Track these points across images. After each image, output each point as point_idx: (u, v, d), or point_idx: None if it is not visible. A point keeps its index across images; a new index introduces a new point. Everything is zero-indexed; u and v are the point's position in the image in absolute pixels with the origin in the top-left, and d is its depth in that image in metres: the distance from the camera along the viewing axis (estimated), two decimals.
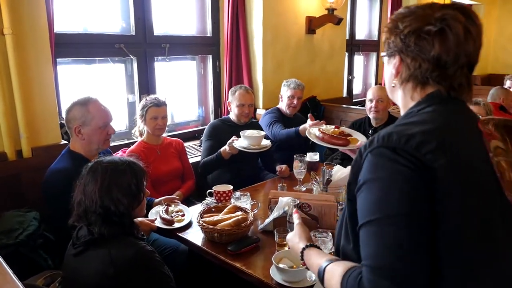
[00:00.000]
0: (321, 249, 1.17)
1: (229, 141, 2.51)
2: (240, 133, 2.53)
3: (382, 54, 1.07)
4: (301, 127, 2.83)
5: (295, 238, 1.22)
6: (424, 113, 0.95)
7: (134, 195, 1.45)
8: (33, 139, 2.28)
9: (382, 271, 0.81)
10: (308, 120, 2.67)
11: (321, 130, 2.03)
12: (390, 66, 1.03)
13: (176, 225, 1.96)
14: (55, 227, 2.01)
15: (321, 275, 0.98)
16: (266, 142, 2.55)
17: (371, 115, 3.00)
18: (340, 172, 2.12)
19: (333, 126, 2.12)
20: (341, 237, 1.03)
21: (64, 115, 2.06)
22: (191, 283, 2.16)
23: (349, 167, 2.20)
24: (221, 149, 2.57)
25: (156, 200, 2.21)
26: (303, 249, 1.14)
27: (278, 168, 2.74)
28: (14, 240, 1.87)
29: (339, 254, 1.05)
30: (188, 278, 2.14)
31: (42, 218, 2.09)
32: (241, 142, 2.50)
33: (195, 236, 1.89)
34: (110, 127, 2.08)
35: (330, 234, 1.60)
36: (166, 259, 2.01)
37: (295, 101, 3.24)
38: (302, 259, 1.14)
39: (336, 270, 0.93)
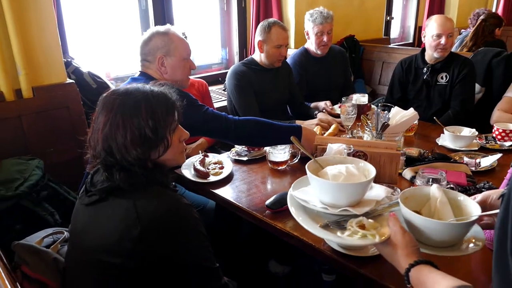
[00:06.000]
0: (436, 267, 0.81)
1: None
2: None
3: None
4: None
5: (393, 251, 0.88)
6: None
7: (150, 143, 1.02)
8: (34, 77, 1.95)
9: None
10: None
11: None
12: None
13: (212, 178, 1.63)
14: None
15: None
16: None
17: (436, 54, 2.35)
18: (400, 115, 1.73)
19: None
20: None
21: (140, 48, 1.68)
22: (216, 244, 1.88)
23: (411, 110, 1.83)
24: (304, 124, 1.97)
25: None
26: (411, 266, 0.81)
27: (323, 104, 2.43)
28: (13, 191, 1.61)
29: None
30: (213, 238, 1.85)
31: (46, 166, 1.82)
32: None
33: (228, 190, 1.57)
34: (191, 61, 1.75)
35: (398, 189, 1.25)
36: None
37: (325, 38, 2.64)
38: (409, 283, 0.81)
39: None
